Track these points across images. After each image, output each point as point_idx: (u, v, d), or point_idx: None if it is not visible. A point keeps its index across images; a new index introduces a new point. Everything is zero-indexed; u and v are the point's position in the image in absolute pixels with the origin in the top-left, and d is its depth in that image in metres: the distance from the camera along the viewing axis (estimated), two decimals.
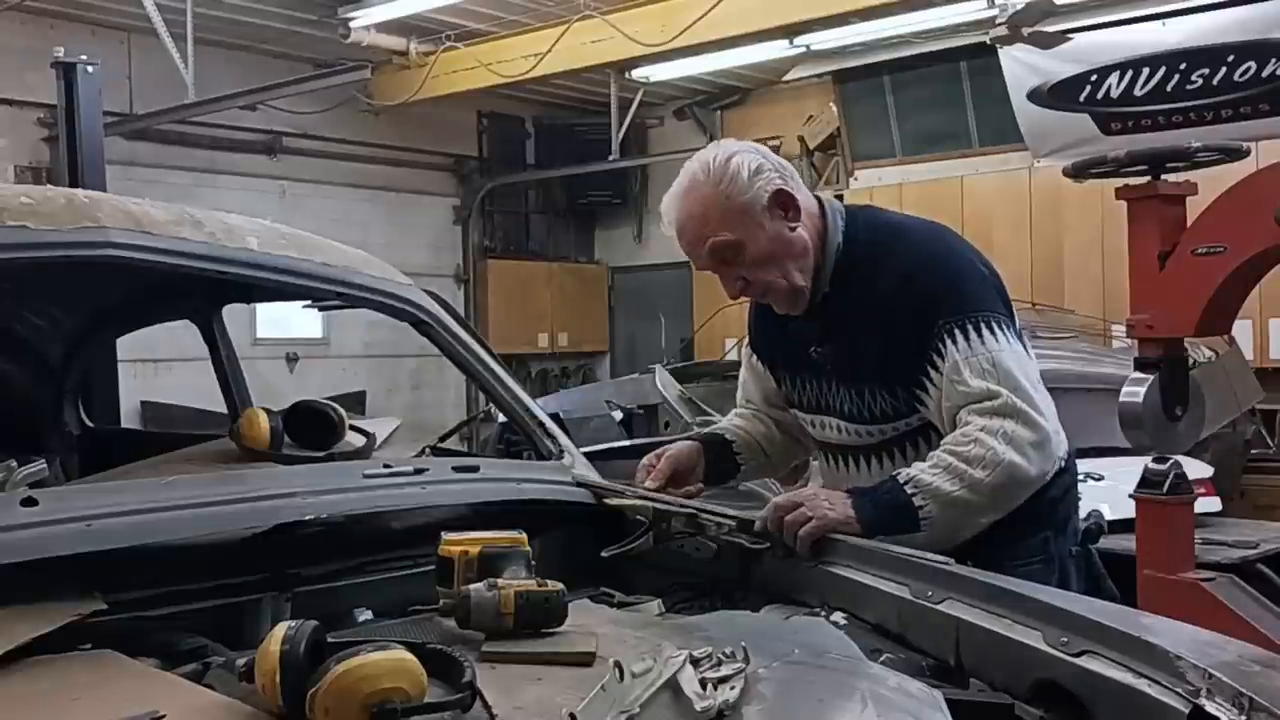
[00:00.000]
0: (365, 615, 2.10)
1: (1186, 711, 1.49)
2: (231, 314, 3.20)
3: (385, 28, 10.24)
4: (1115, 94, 9.42)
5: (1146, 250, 3.66)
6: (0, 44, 9.72)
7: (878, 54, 11.19)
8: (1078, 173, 3.90)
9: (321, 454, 2.49)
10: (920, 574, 1.93)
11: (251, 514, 2.01)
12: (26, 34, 9.74)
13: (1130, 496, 3.75)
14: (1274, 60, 8.70)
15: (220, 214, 2.44)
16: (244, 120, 11.03)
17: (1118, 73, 9.35)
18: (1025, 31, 7.99)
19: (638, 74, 10.99)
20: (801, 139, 12.40)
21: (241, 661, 1.53)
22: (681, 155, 10.16)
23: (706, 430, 2.75)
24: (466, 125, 13.30)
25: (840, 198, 12.18)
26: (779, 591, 2.14)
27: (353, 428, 2.66)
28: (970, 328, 2.19)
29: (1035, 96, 9.94)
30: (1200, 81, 8.98)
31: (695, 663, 1.55)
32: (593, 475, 2.58)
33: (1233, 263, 3.44)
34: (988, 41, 8.75)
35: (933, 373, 2.22)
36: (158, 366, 9.86)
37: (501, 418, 6.18)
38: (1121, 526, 3.83)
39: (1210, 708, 1.47)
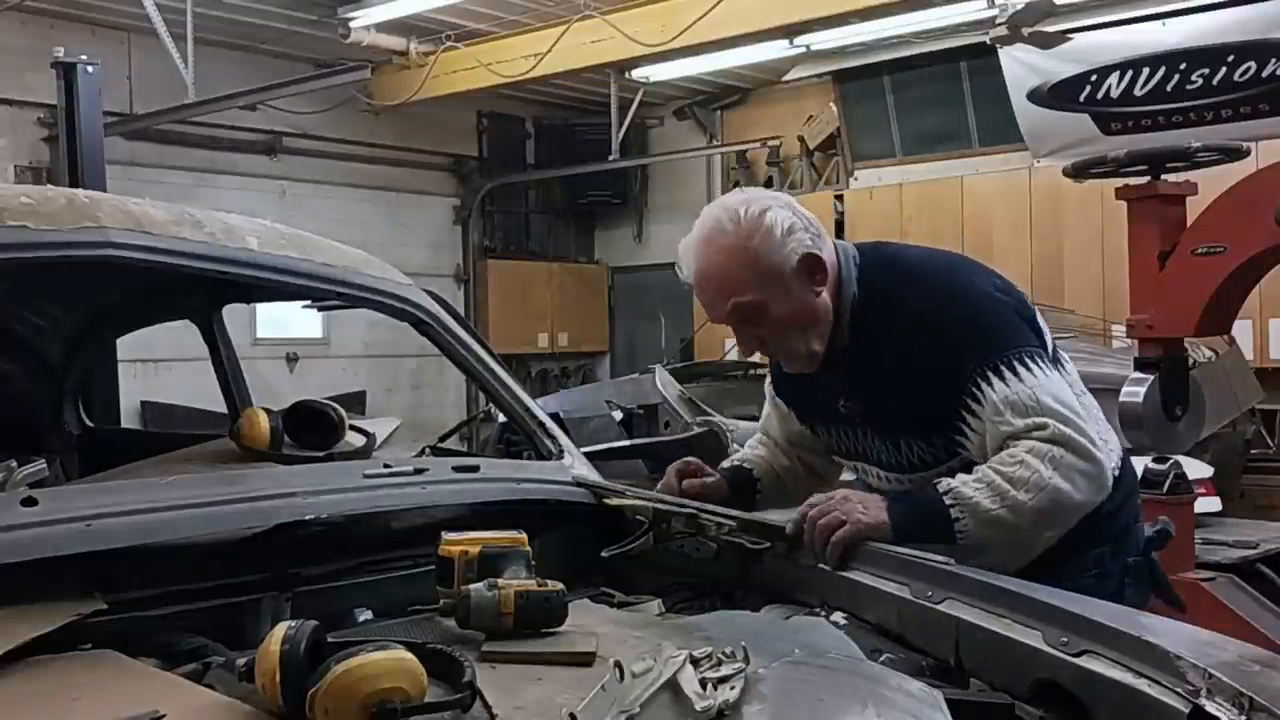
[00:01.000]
0: (365, 615, 2.10)
1: (1186, 711, 1.49)
2: (231, 314, 3.20)
3: (385, 28, 10.24)
4: (1115, 94, 9.42)
5: (1146, 250, 3.67)
6: (0, 44, 9.72)
7: (878, 54, 11.19)
8: (1078, 173, 3.91)
9: (321, 454, 2.48)
10: (920, 574, 1.93)
11: (251, 514, 2.01)
12: (26, 34, 9.74)
13: None
14: (1274, 60, 8.70)
15: (220, 214, 2.44)
16: (244, 120, 11.03)
17: (1118, 73, 9.35)
18: (1025, 31, 7.99)
19: (638, 74, 10.98)
20: (801, 139, 12.41)
21: (241, 661, 1.53)
22: (681, 155, 10.17)
23: (732, 463, 2.64)
24: (466, 125, 13.31)
25: (840, 198, 12.26)
26: (779, 591, 2.14)
27: (353, 428, 2.66)
28: (1004, 368, 2.11)
29: (1035, 96, 9.94)
30: (1200, 81, 8.98)
31: (695, 663, 1.55)
32: (593, 475, 2.58)
33: (1233, 263, 3.44)
34: (988, 41, 8.75)
35: (971, 419, 2.14)
36: (158, 366, 9.86)
37: (501, 418, 6.19)
38: None
39: (1210, 708, 1.47)
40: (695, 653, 1.57)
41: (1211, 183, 3.61)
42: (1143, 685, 1.54)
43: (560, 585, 1.77)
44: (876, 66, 11.50)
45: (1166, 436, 3.69)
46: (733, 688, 1.50)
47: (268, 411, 2.52)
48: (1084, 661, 1.62)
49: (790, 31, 9.60)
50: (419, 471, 2.27)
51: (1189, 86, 9.04)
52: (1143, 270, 3.67)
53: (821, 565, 2.07)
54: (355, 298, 2.56)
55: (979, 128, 11.19)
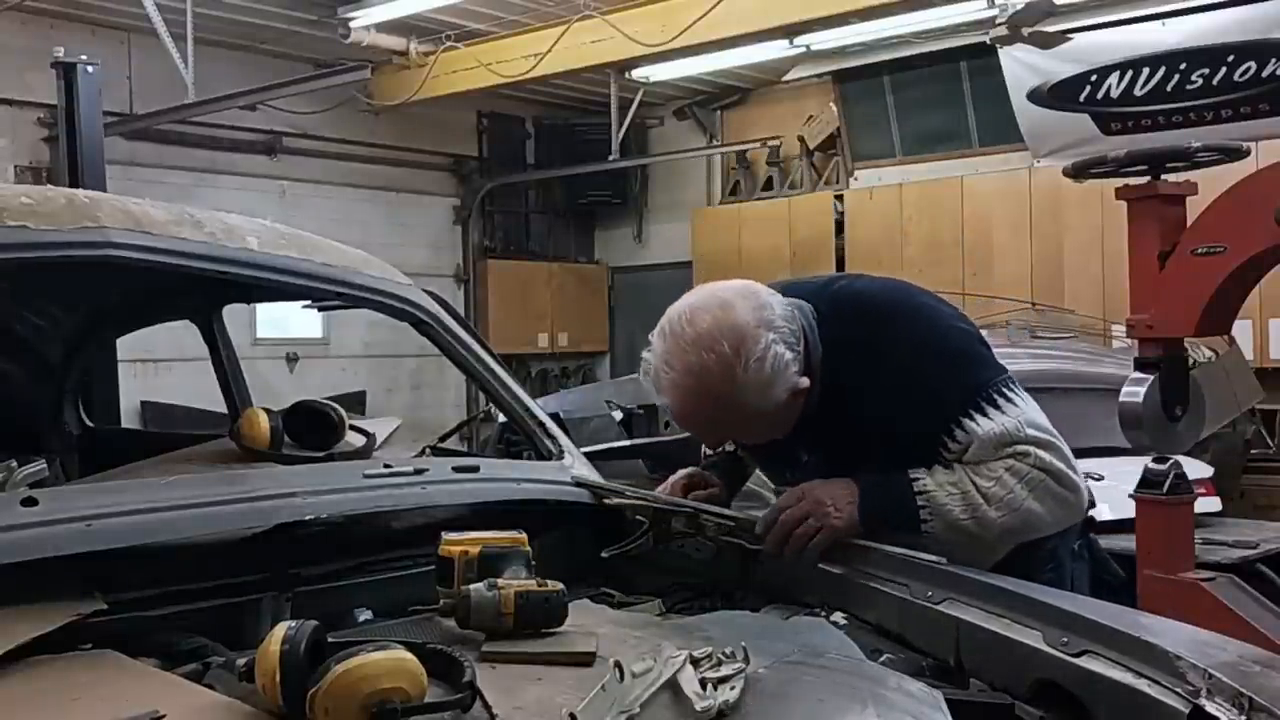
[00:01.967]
0: (365, 615, 2.10)
1: (1186, 711, 1.49)
2: (231, 314, 3.20)
3: (385, 28, 10.24)
4: (1115, 94, 9.42)
5: (1146, 250, 3.66)
6: (0, 44, 9.72)
7: (878, 54, 11.20)
8: (1078, 173, 3.91)
9: (321, 454, 2.48)
10: (920, 574, 1.93)
11: (251, 514, 2.01)
12: (26, 34, 9.74)
13: (1130, 496, 3.76)
14: (1274, 60, 8.70)
15: (220, 214, 2.44)
16: (244, 120, 11.03)
17: (1118, 73, 9.35)
18: (1025, 31, 7.99)
19: (638, 74, 10.98)
20: (801, 139, 12.41)
21: (241, 661, 1.53)
22: (681, 155, 10.15)
23: (710, 459, 2.60)
24: (466, 125, 13.31)
25: (840, 198, 12.27)
26: (779, 591, 2.14)
27: (353, 428, 2.66)
28: (985, 404, 2.08)
29: (1035, 96, 9.94)
30: (1200, 81, 8.98)
31: (695, 663, 1.55)
32: (593, 475, 2.58)
33: (1233, 263, 3.44)
34: (988, 41, 8.75)
35: (947, 453, 2.11)
36: (158, 366, 9.86)
37: (501, 418, 6.18)
38: (1121, 527, 3.84)
39: (1210, 708, 1.47)
40: (695, 653, 1.57)
41: (1211, 183, 3.60)
42: (1143, 685, 1.54)
43: (560, 585, 1.77)
44: (876, 66, 11.51)
45: (1166, 436, 3.69)
46: (733, 688, 1.50)
47: (268, 411, 2.51)
48: (1084, 661, 1.62)
49: (790, 31, 9.60)
50: (419, 471, 2.27)
51: (1189, 86, 9.04)
52: (1143, 270, 3.67)
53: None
54: (355, 298, 2.56)
55: (979, 128, 11.20)
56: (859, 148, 12.19)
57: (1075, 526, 2.35)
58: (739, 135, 13.05)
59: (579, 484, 2.50)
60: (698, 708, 1.45)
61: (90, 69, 4.92)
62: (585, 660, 1.65)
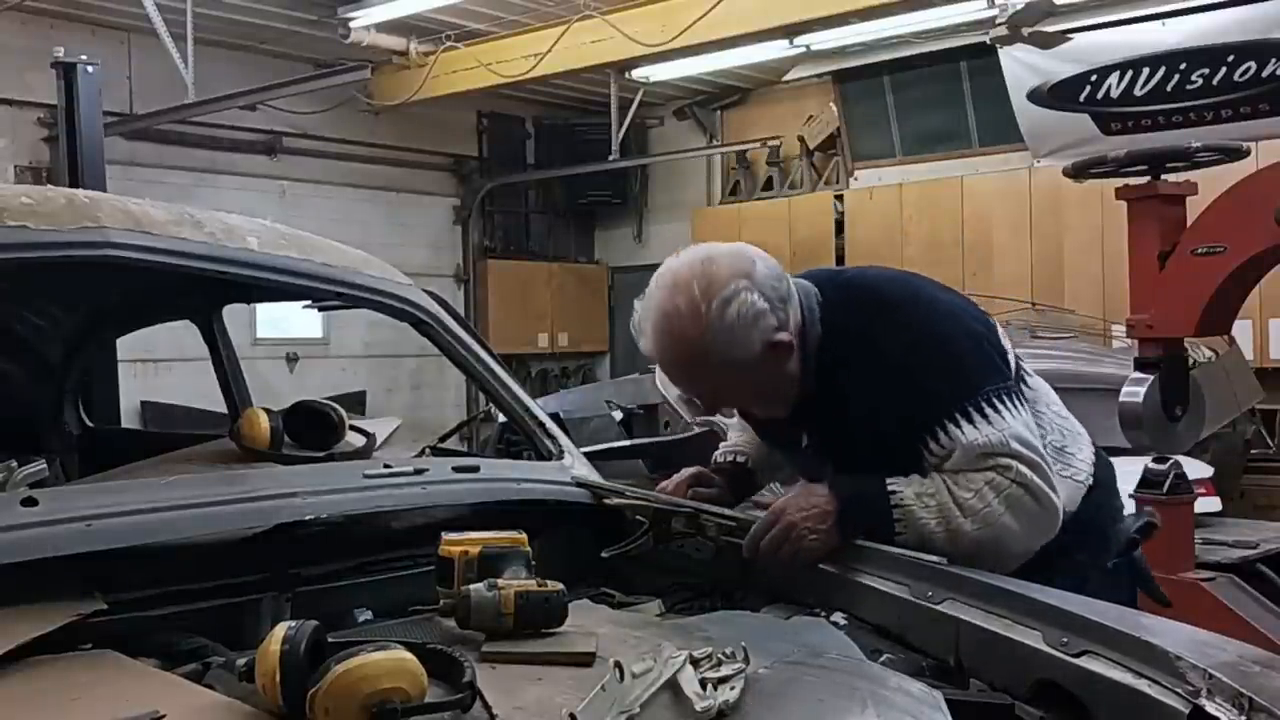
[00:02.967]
0: (365, 615, 2.10)
1: (1186, 711, 1.49)
2: (231, 314, 3.20)
3: (385, 28, 10.24)
4: (1115, 94, 9.42)
5: (1146, 250, 3.66)
6: (0, 44, 9.72)
7: (878, 54, 11.20)
8: (1078, 173, 3.91)
9: (321, 454, 2.48)
10: (920, 574, 1.93)
11: (251, 514, 2.01)
12: (26, 34, 9.74)
13: (1130, 496, 3.76)
14: (1274, 60, 8.70)
15: (220, 214, 2.44)
16: (244, 120, 11.04)
17: (1118, 73, 9.35)
18: (1025, 31, 7.99)
19: (638, 74, 10.99)
20: (801, 139, 12.41)
21: (241, 661, 1.53)
22: (681, 155, 10.16)
23: (725, 454, 2.59)
24: (466, 125, 13.31)
25: (840, 198, 12.26)
26: (779, 591, 2.14)
27: (353, 428, 2.66)
28: (974, 411, 2.04)
29: (1035, 96, 9.94)
30: (1200, 81, 8.98)
31: (695, 663, 1.55)
32: (593, 475, 2.58)
33: (1233, 263, 3.44)
34: (988, 41, 8.75)
35: (930, 456, 2.09)
36: (158, 366, 9.86)
37: (501, 418, 6.18)
38: None
39: (1210, 708, 1.47)
40: (695, 653, 1.57)
41: (1211, 183, 3.60)
42: (1143, 685, 1.54)
43: (560, 585, 1.77)
44: (876, 66, 11.51)
45: (1166, 436, 3.70)
46: (733, 688, 1.50)
47: (268, 411, 2.51)
48: (1084, 661, 1.62)
49: (790, 31, 9.60)
50: (419, 471, 2.27)
51: (1189, 86, 9.04)
52: (1143, 270, 3.67)
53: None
54: (355, 298, 2.56)
55: (979, 128, 11.20)
56: (859, 148, 12.19)
57: (1110, 542, 2.31)
58: (739, 135, 13.05)
59: (579, 484, 2.50)
60: (698, 708, 1.45)
61: (90, 69, 4.91)
62: (585, 660, 1.65)
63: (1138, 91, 9.29)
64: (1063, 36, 8.51)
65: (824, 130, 12.31)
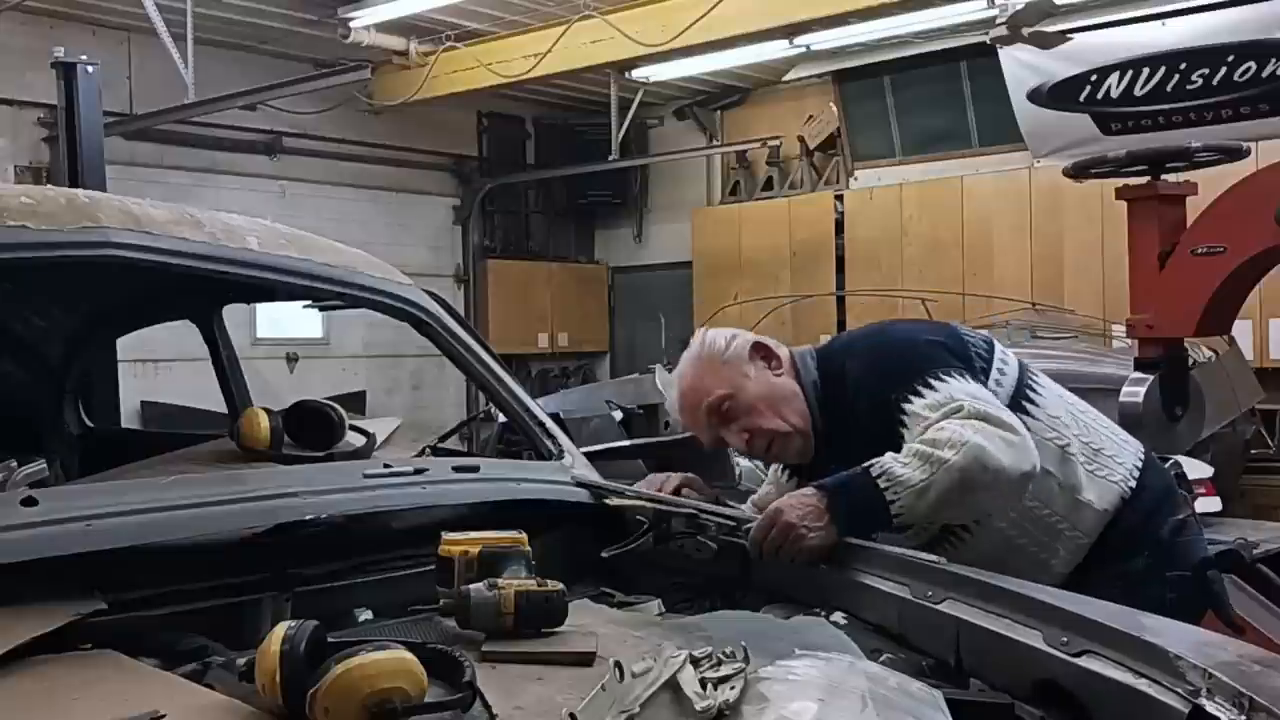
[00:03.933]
0: (365, 615, 2.10)
1: (1186, 711, 1.49)
2: (231, 314, 3.20)
3: (385, 28, 10.24)
4: (1115, 94, 9.41)
5: (1146, 250, 3.66)
6: (0, 44, 9.72)
7: (878, 54, 11.20)
8: (1078, 173, 3.90)
9: (321, 454, 2.48)
10: (920, 574, 1.94)
11: (251, 514, 2.01)
12: (26, 34, 9.74)
13: None
14: (1274, 60, 8.70)
15: (220, 214, 2.44)
16: (244, 120, 11.04)
17: (1118, 73, 9.34)
18: (1025, 31, 7.99)
19: (638, 74, 10.99)
20: (801, 139, 12.41)
21: (241, 661, 1.53)
22: (681, 155, 10.17)
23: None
24: (466, 125, 13.31)
25: (840, 198, 12.27)
26: (779, 591, 2.14)
27: (353, 428, 2.66)
28: (921, 386, 2.27)
29: (1035, 96, 9.93)
30: (1200, 81, 8.97)
31: (695, 663, 1.55)
32: (593, 475, 2.58)
33: (1233, 263, 3.44)
34: (988, 41, 8.75)
35: (902, 437, 2.26)
36: (158, 366, 9.86)
37: (501, 418, 6.19)
38: None
39: (1210, 708, 1.47)
40: (695, 653, 1.57)
41: (1211, 183, 3.60)
42: (1143, 685, 1.54)
43: (560, 585, 1.77)
44: (876, 66, 11.51)
45: (1166, 436, 3.69)
46: (733, 688, 1.50)
47: (268, 411, 2.51)
48: (1084, 661, 1.63)
49: (790, 31, 9.60)
50: (419, 471, 2.27)
51: (1189, 86, 9.03)
52: (1143, 270, 3.66)
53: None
54: (355, 298, 2.56)
55: (979, 128, 11.20)
56: (859, 148, 12.19)
57: (1178, 553, 2.38)
58: (739, 135, 13.04)
59: (579, 484, 2.51)
60: (698, 708, 1.46)
61: (90, 69, 4.91)
62: (585, 660, 1.65)
63: (1138, 91, 9.28)
64: (1063, 36, 8.51)
65: (824, 130, 12.31)
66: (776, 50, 10.32)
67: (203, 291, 2.95)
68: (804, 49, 10.43)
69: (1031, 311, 8.62)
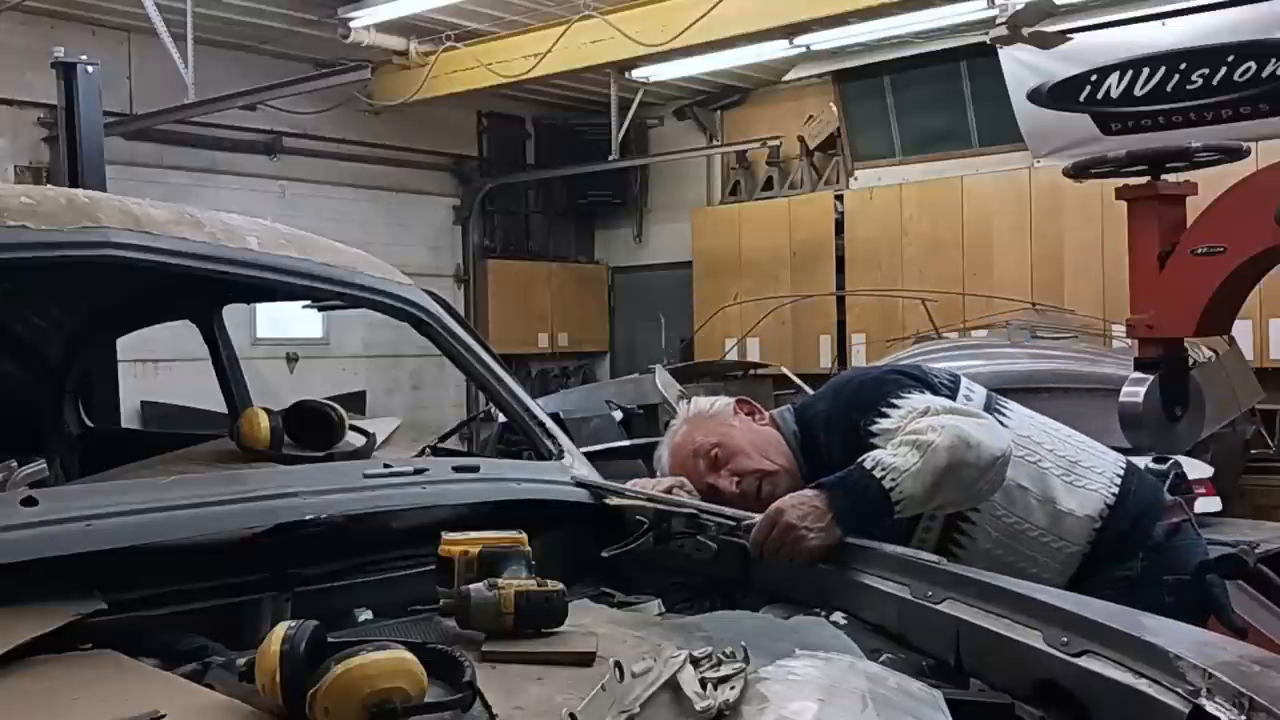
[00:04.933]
0: (365, 615, 2.10)
1: (1186, 711, 1.49)
2: (231, 314, 3.20)
3: (385, 28, 10.24)
4: (1115, 94, 9.41)
5: (1146, 250, 3.65)
6: (0, 44, 9.72)
7: (878, 54, 11.19)
8: (1078, 173, 3.90)
9: (321, 454, 2.48)
10: (920, 574, 1.94)
11: (251, 514, 2.01)
12: (26, 34, 9.73)
13: None
14: (1274, 60, 8.69)
15: (220, 214, 2.44)
16: (244, 120, 11.03)
17: (1118, 73, 9.34)
18: (1025, 31, 7.98)
19: (638, 74, 10.98)
20: (801, 139, 12.41)
21: (241, 661, 1.53)
22: (681, 155, 10.18)
23: None
24: (466, 125, 13.30)
25: (840, 198, 12.28)
26: (779, 591, 2.14)
27: (353, 428, 2.66)
28: (885, 408, 2.38)
29: (1035, 96, 9.93)
30: (1200, 81, 8.97)
31: (695, 663, 1.55)
32: (593, 475, 2.58)
33: (1233, 263, 3.44)
34: (988, 41, 8.74)
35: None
36: (158, 366, 9.86)
37: (501, 418, 6.19)
38: None
39: (1210, 708, 1.47)
40: (695, 653, 1.57)
41: (1211, 183, 3.60)
42: (1143, 685, 1.54)
43: (560, 585, 1.77)
44: (876, 66, 11.50)
45: (1166, 436, 3.69)
46: (733, 688, 1.50)
47: (268, 411, 2.51)
48: (1084, 661, 1.63)
49: (790, 31, 9.59)
50: (419, 471, 2.27)
51: (1189, 86, 9.03)
52: (1143, 270, 3.66)
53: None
54: (355, 298, 2.56)
55: (979, 128, 11.19)
56: (859, 148, 12.19)
57: (1176, 556, 2.43)
58: (739, 135, 13.04)
59: (579, 484, 2.51)
60: (698, 708, 1.46)
61: (90, 69, 4.91)
62: (585, 660, 1.65)
63: (1138, 91, 9.27)
64: (1063, 36, 8.51)
65: (824, 130, 12.30)
66: (776, 50, 10.32)
67: (203, 291, 2.95)
68: (804, 49, 10.42)
69: (1031, 311, 8.62)
